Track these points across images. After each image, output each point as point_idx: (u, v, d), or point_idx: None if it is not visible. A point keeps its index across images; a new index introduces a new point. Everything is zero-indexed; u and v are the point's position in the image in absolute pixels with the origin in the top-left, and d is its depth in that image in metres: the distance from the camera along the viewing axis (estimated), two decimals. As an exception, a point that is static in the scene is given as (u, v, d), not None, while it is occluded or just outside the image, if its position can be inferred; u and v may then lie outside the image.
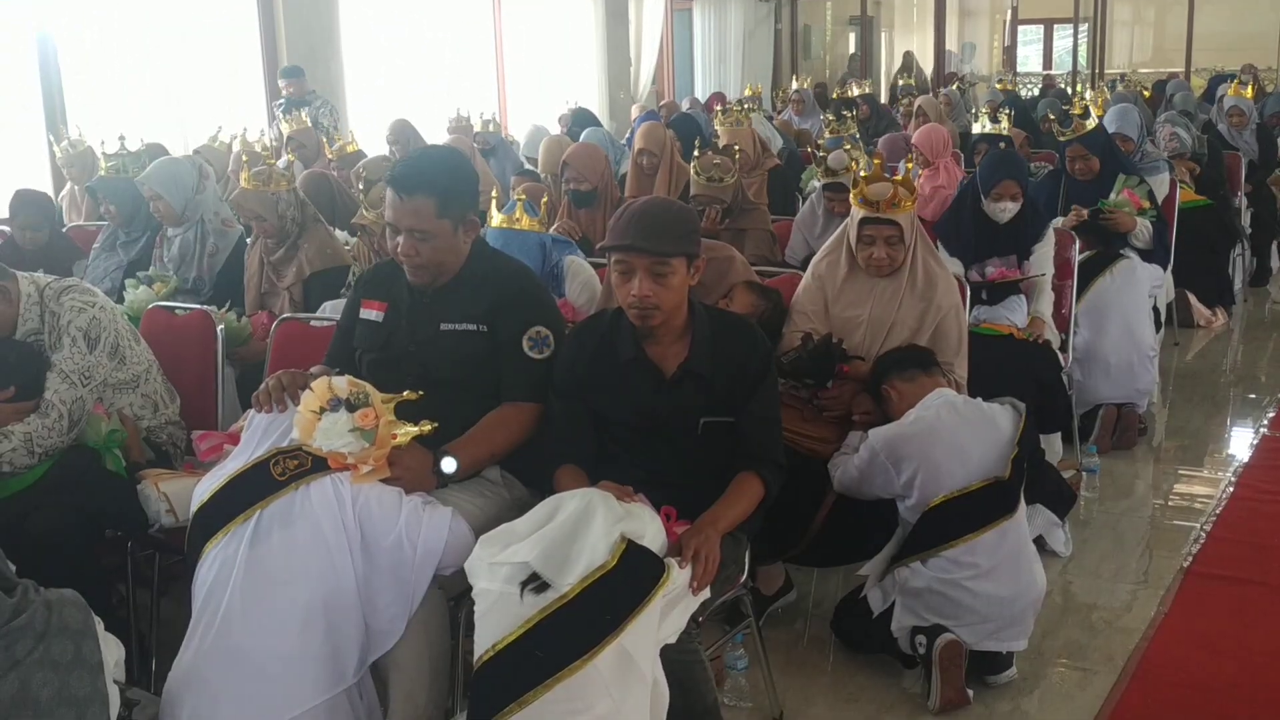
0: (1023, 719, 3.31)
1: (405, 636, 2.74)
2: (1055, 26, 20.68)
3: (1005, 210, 4.73)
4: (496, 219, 4.09)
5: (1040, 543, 4.20)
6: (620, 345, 2.96)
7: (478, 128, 8.59)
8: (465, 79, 11.48)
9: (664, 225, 2.82)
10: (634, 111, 11.38)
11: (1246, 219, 8.23)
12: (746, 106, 7.97)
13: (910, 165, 3.87)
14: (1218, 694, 3.38)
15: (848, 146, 4.87)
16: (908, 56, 18.75)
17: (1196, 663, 3.56)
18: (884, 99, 15.43)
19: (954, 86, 12.06)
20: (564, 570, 2.44)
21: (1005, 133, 6.28)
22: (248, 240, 4.97)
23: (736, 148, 5.36)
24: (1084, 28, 17.81)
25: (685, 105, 11.53)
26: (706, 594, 2.68)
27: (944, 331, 3.81)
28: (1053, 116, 5.97)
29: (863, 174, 3.82)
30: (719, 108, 8.16)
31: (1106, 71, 16.60)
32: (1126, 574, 4.16)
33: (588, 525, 2.50)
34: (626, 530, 2.52)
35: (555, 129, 9.54)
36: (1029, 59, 21.77)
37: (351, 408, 2.75)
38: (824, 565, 3.89)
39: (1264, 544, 4.32)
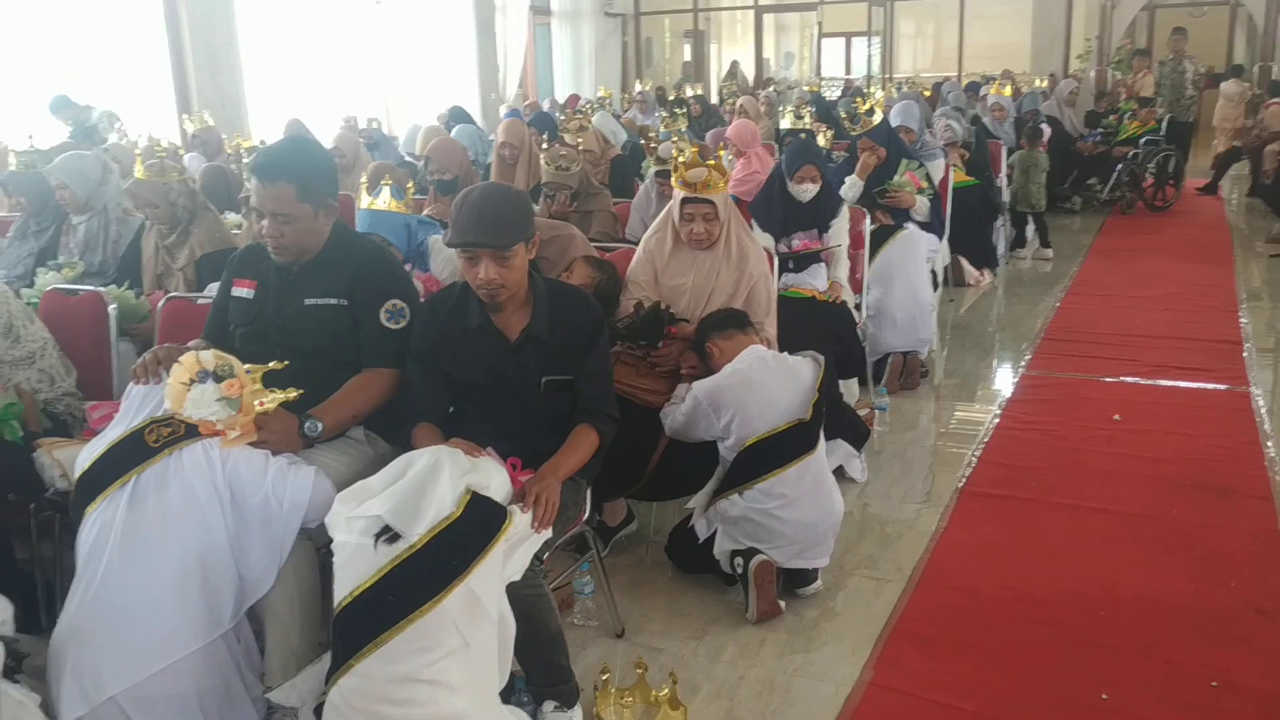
0: (828, 622, 3.22)
1: (277, 584, 2.51)
2: (854, 39, 20.77)
3: (807, 191, 4.62)
4: (366, 201, 3.83)
5: (841, 471, 4.15)
6: (469, 314, 2.76)
7: (362, 125, 8.21)
8: (355, 83, 11.00)
9: (502, 217, 2.61)
10: (502, 111, 11.03)
11: (1007, 196, 8.33)
12: (590, 107, 7.73)
13: (723, 153, 3.72)
14: (989, 595, 3.35)
15: (675, 139, 4.71)
16: (733, 65, 18.64)
17: (971, 569, 3.52)
18: (715, 100, 15.31)
19: (770, 89, 11.98)
20: (414, 521, 2.24)
21: (808, 126, 6.19)
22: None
23: (580, 143, 5.15)
24: (876, 40, 17.98)
25: (546, 105, 11.23)
26: (549, 534, 2.51)
27: (756, 296, 3.69)
28: (844, 114, 5.88)
29: (681, 160, 3.66)
30: (572, 110, 7.88)
31: (895, 75, 16.74)
32: (913, 495, 4.11)
33: (436, 480, 2.30)
34: (472, 483, 2.33)
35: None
36: (834, 66, 21.86)
37: (218, 379, 2.50)
38: (660, 499, 3.75)
39: (1023, 465, 4.32)
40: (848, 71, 19.94)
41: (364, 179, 4.11)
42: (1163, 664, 2.97)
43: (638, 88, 11.71)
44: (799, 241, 4.64)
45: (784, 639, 3.14)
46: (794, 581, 3.31)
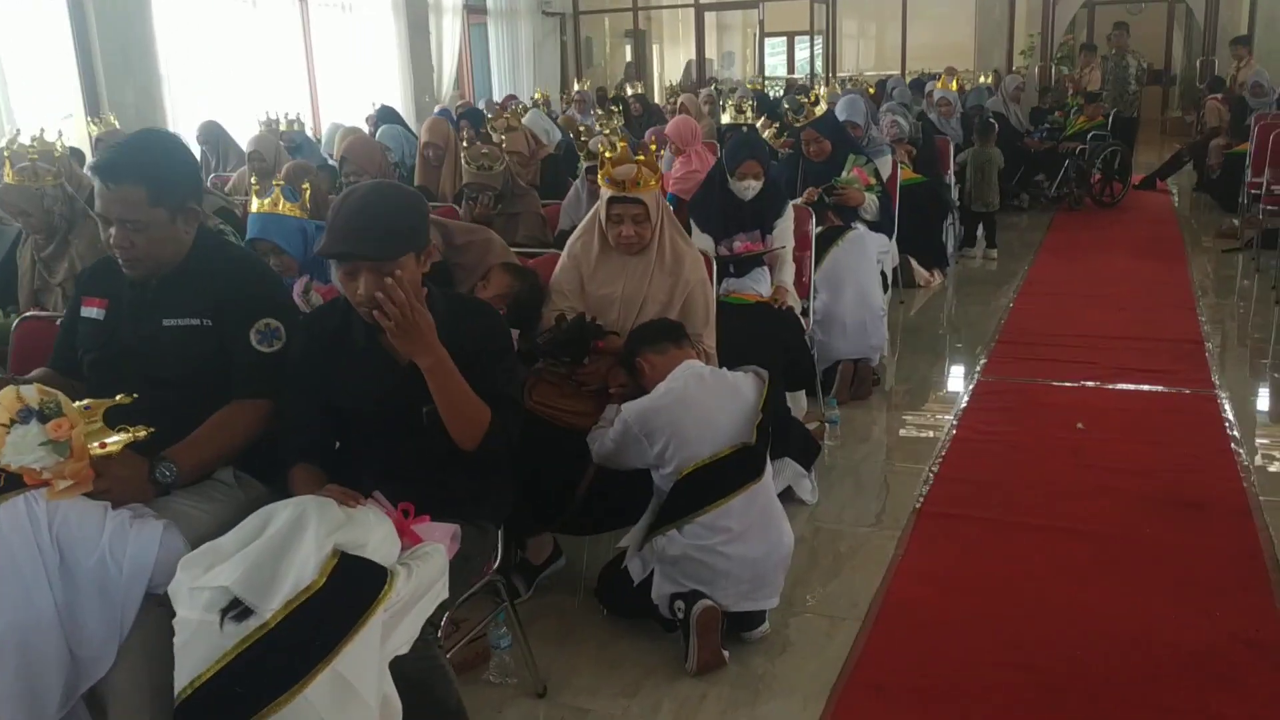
0: (777, 671, 2.85)
1: (120, 661, 2.07)
2: (796, 38, 20.55)
3: (749, 188, 4.26)
4: (255, 204, 3.42)
5: (789, 493, 3.80)
6: (353, 334, 2.34)
7: (283, 127, 7.72)
8: (282, 83, 10.48)
9: (384, 226, 2.19)
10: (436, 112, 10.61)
11: (956, 194, 8.05)
12: (520, 106, 7.32)
13: (654, 146, 3.35)
14: (953, 633, 3.01)
15: (607, 132, 4.33)
16: (689, 66, 18.34)
17: (933, 602, 3.18)
18: (659, 100, 14.97)
19: (712, 87, 11.66)
20: (268, 593, 1.83)
21: (750, 122, 5.84)
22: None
23: (502, 142, 4.75)
24: (819, 39, 17.75)
25: (482, 106, 10.79)
26: (443, 594, 2.12)
27: (692, 304, 3.31)
28: (788, 107, 5.54)
29: (608, 155, 3.28)
30: (502, 109, 7.45)
31: (838, 74, 16.51)
32: (866, 517, 3.77)
33: (298, 539, 1.89)
34: (342, 541, 1.93)
35: (364, 127, 8.70)
36: (778, 66, 21.62)
37: (43, 418, 2.07)
38: (589, 534, 3.36)
39: (984, 480, 3.99)
40: (790, 71, 19.73)
41: (253, 181, 3.69)
42: (1150, 711, 2.64)
43: (575, 87, 11.32)
44: (740, 243, 4.29)
45: (728, 693, 2.77)
46: (739, 625, 2.94)
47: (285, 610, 1.80)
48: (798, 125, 5.27)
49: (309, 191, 3.56)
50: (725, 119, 5.96)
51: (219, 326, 2.41)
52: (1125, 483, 3.91)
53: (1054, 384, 5.07)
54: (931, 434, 4.50)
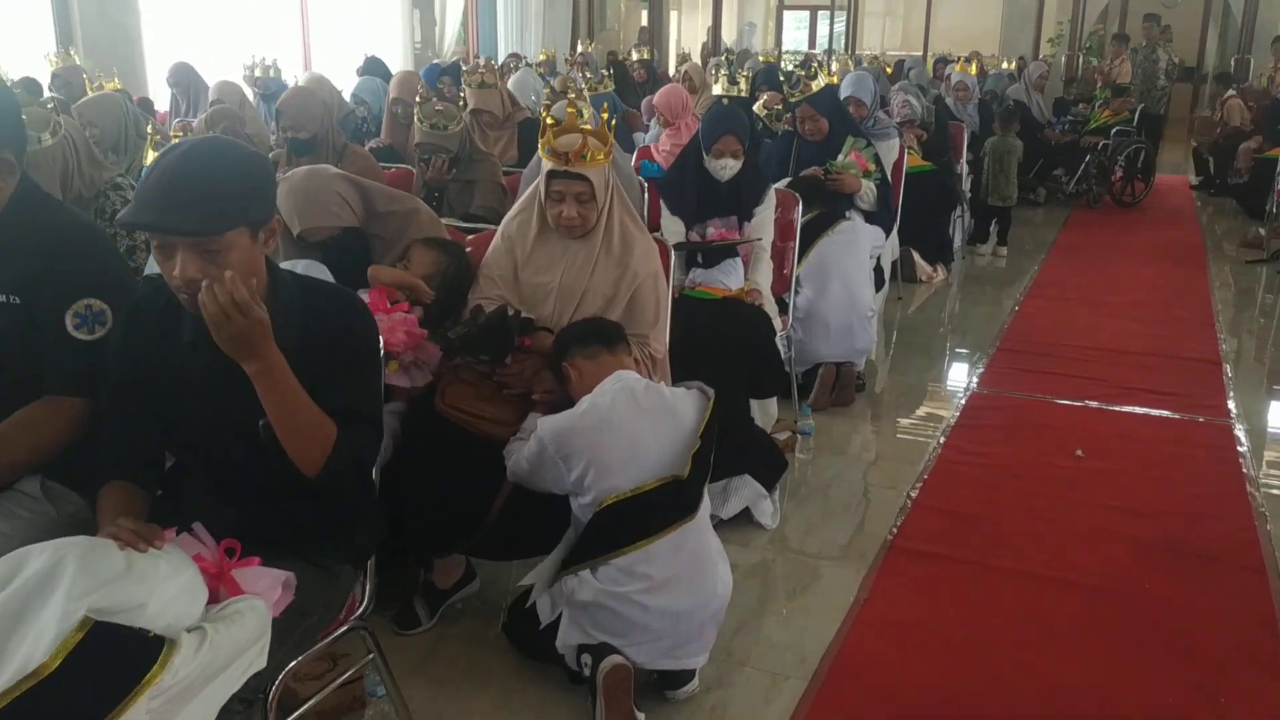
0: (701, 740, 2.43)
1: None
2: (819, 13, 19.96)
3: (726, 168, 3.79)
4: (150, 160, 2.97)
5: (747, 514, 3.36)
6: (182, 325, 1.88)
7: (257, 73, 7.24)
8: (270, 29, 9.97)
9: (204, 192, 1.70)
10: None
11: (967, 184, 7.55)
12: (511, 64, 6.82)
13: (605, 115, 2.88)
14: (910, 703, 2.57)
15: (571, 96, 3.86)
16: (709, 33, 17.77)
17: (891, 662, 2.73)
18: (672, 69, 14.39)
19: (722, 56, 11.10)
20: (-12, 672, 1.40)
21: (743, 94, 5.34)
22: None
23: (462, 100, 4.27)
24: (841, 15, 17.16)
25: (462, 62, 10.27)
26: (258, 665, 1.68)
27: (641, 300, 2.86)
28: (782, 78, 5.04)
29: (550, 121, 2.80)
30: (480, 67, 6.88)
31: (859, 52, 15.92)
32: (830, 548, 3.31)
33: (42, 601, 1.46)
34: (103, 605, 1.48)
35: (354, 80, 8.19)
36: (800, 42, 21.00)
37: None
38: (503, 559, 2.93)
39: (966, 513, 3.53)
40: (811, 46, 19.11)
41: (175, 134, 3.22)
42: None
43: (579, 49, 10.78)
44: (714, 230, 3.82)
45: (640, 765, 2.34)
46: (664, 681, 2.50)
47: (4, 699, 1.36)
48: (791, 99, 4.77)
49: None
50: (716, 89, 5.46)
51: (29, 305, 1.96)
52: (1125, 525, 3.46)
53: (1055, 401, 4.60)
54: (915, 452, 4.04)
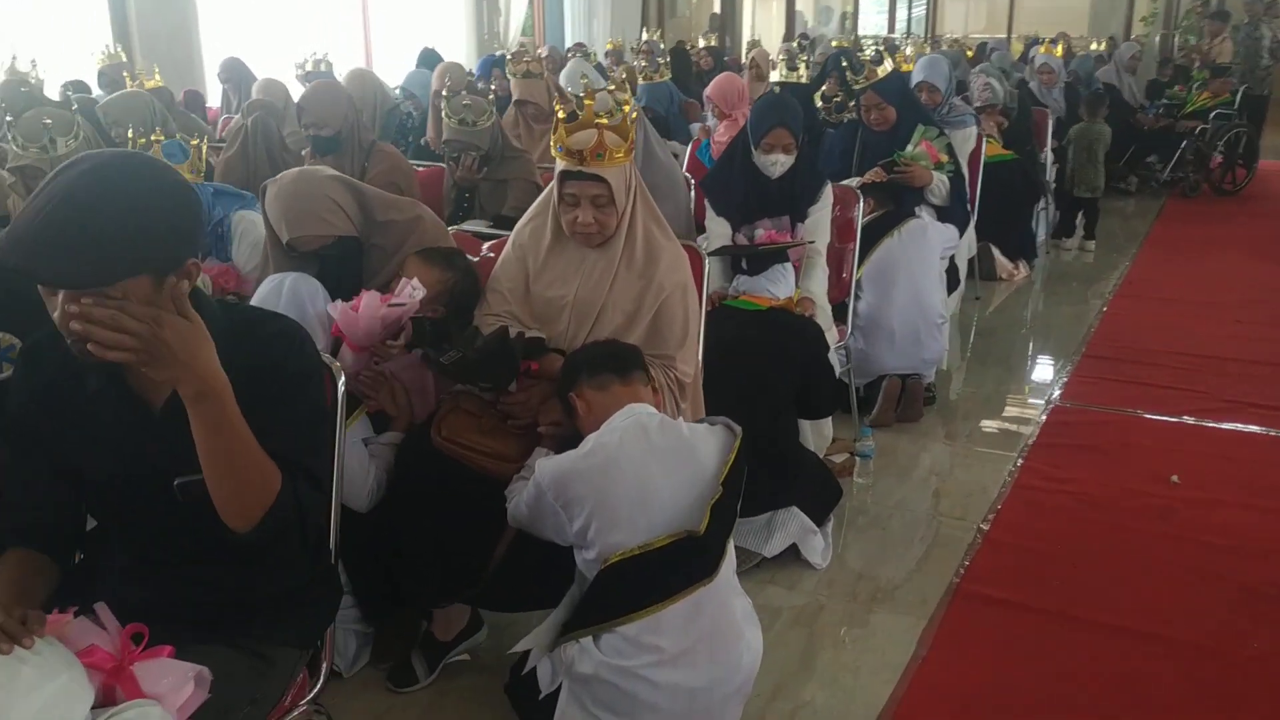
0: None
1: None
2: (900, -5, 19.29)
3: (776, 163, 3.41)
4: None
5: (794, 551, 2.99)
6: (87, 368, 1.58)
7: (309, 67, 7.02)
8: (329, 23, 9.79)
9: (91, 236, 1.37)
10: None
11: (1052, 174, 7.03)
12: (569, 52, 6.49)
13: (627, 108, 2.53)
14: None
15: (612, 88, 3.52)
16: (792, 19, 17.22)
17: (951, 737, 2.36)
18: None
19: (794, 42, 10.65)
20: None
21: (803, 82, 4.94)
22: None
23: (491, 96, 3.96)
24: (922, -4, 16.54)
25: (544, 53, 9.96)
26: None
27: (666, 317, 2.51)
28: (846, 63, 4.64)
29: (560, 115, 2.47)
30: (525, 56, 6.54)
31: (939, 34, 15.27)
32: (887, 594, 2.93)
33: None
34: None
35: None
36: (880, 26, 20.32)
37: None
38: (508, 610, 2.61)
39: (1043, 551, 3.12)
40: (890, 30, 18.45)
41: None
42: None
43: (644, 36, 10.40)
44: (763, 231, 3.45)
45: None
46: (681, 759, 2.15)
47: None
48: (856, 86, 4.36)
49: (202, 148, 2.85)
50: (774, 76, 5.06)
51: None
52: (1229, 566, 3.02)
53: (1146, 416, 4.14)
54: (988, 476, 3.62)
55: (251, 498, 1.52)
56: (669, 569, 2.02)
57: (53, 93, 5.73)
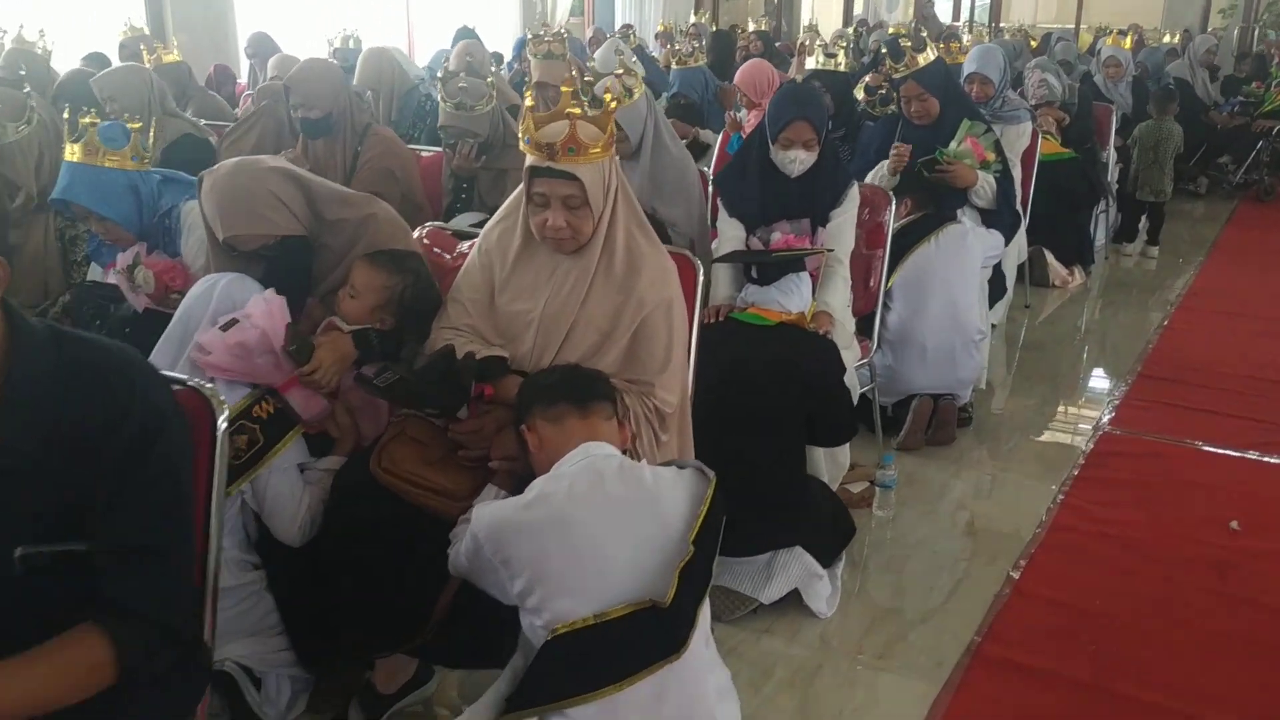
0: None
1: None
2: (966, -18, 18.65)
3: (795, 161, 3.06)
4: (68, 151, 2.45)
5: (795, 597, 2.66)
6: None
7: (336, 44, 6.76)
8: (371, 2, 9.53)
9: None
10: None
11: (1115, 174, 6.55)
12: (565, 33, 6.13)
13: (608, 97, 2.19)
14: None
15: (620, 72, 3.18)
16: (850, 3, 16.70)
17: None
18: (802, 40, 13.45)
19: (851, 29, 10.21)
20: None
21: (841, 70, 4.57)
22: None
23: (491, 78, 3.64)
24: (989, -16, 15.92)
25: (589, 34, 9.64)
26: None
27: (647, 336, 2.18)
28: (884, 50, 4.24)
29: (528, 104, 2.14)
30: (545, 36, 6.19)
31: (1004, 24, 14.68)
32: (895, 653, 2.58)
33: None
34: None
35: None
36: (943, 14, 19.70)
37: None
38: (454, 666, 2.31)
39: (1081, 608, 2.75)
40: (955, 18, 17.84)
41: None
42: None
43: (691, 19, 10.02)
44: (780, 235, 3.10)
45: None
46: None
47: None
48: (895, 75, 3.98)
49: (149, 132, 2.56)
50: (809, 64, 4.69)
51: None
52: (1295, 636, 2.63)
53: (1204, 449, 3.73)
54: (1024, 513, 3.25)
55: (79, 692, 1.27)
56: (627, 644, 1.70)
57: (74, 63, 5.54)
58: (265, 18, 8.39)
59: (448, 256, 2.69)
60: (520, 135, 2.15)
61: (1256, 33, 12.67)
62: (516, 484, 1.99)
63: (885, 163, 3.88)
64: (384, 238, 2.36)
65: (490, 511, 1.80)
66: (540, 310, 2.20)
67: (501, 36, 9.65)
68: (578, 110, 2.08)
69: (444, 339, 2.23)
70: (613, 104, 2.17)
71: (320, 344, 2.17)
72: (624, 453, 1.97)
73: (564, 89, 2.20)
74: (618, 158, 2.89)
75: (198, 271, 2.55)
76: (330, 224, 2.35)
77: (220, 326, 2.03)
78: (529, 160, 2.14)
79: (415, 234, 2.81)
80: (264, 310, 2.06)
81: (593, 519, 1.75)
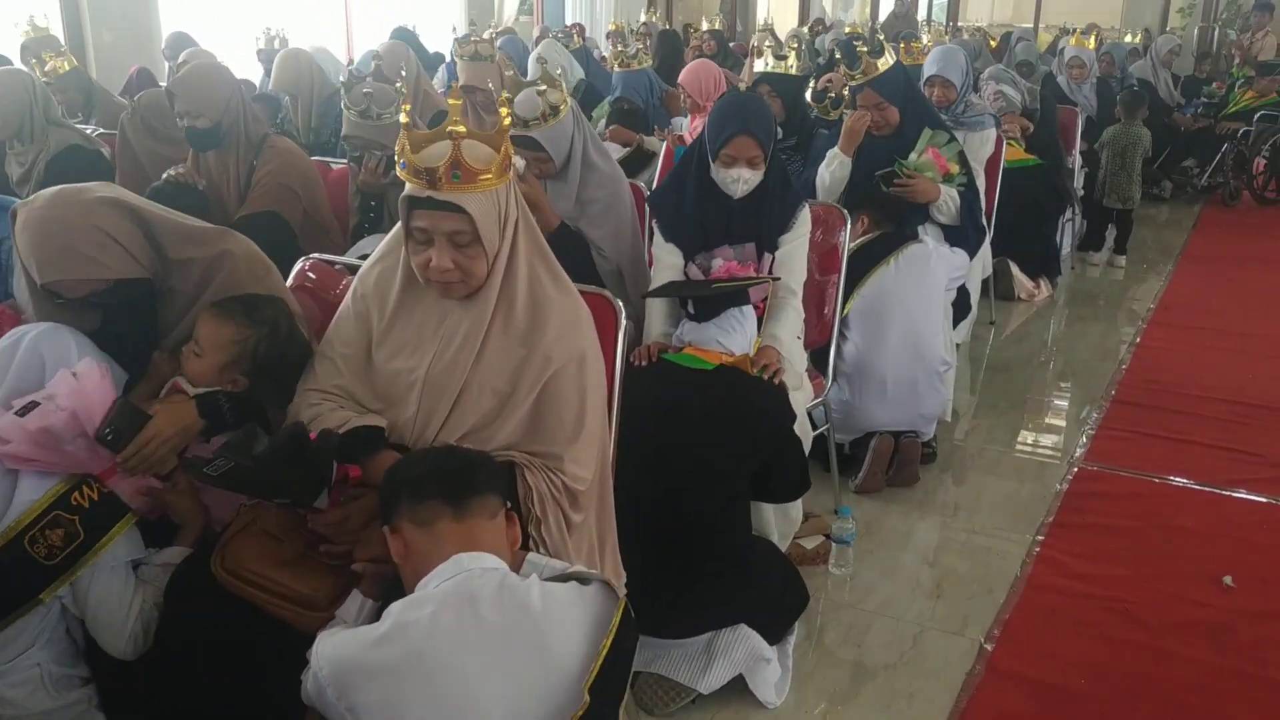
0: None
1: None
2: (923, -18, 18.37)
3: (738, 180, 2.68)
4: None
5: (739, 684, 2.29)
6: None
7: (262, 44, 6.33)
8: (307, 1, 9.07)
9: None
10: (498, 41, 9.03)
11: (1080, 180, 6.25)
12: (493, 34, 5.75)
13: (504, 112, 1.81)
14: None
15: (542, 88, 2.78)
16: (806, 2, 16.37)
17: None
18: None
19: (805, 29, 9.87)
20: None
21: (793, 73, 4.20)
22: None
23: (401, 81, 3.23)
24: (946, -17, 15.65)
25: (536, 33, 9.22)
26: None
27: (554, 400, 1.81)
28: (838, 55, 3.89)
29: (402, 120, 1.76)
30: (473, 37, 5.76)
31: (961, 24, 14.41)
32: (855, 750, 2.23)
33: None
34: None
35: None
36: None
37: None
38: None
39: (1057, 687, 2.41)
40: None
41: None
42: None
43: (641, 18, 9.63)
44: (721, 262, 2.72)
45: None
46: None
47: None
48: (851, 83, 3.62)
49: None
50: (759, 66, 4.31)
51: None
52: (1303, 720, 2.30)
53: (1191, 487, 3.40)
54: (995, 569, 2.91)
55: None
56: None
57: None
58: (191, 15, 7.92)
59: (334, 294, 2.30)
60: (395, 158, 1.77)
61: (1216, 33, 12.48)
62: (384, 591, 1.61)
63: (834, 150, 3.54)
64: (241, 278, 1.96)
65: (333, 647, 1.42)
66: (425, 369, 1.82)
67: (443, 37, 9.19)
68: (463, 129, 1.70)
69: (309, 404, 1.84)
70: (507, 120, 1.78)
71: (156, 412, 1.77)
72: (523, 544, 1.60)
73: (452, 102, 1.81)
74: (537, 180, 2.55)
75: (25, 314, 2.14)
76: (176, 264, 1.94)
77: (16, 411, 1.63)
78: (407, 189, 1.76)
79: (300, 265, 2.43)
80: (71, 388, 1.65)
81: (461, 658, 1.37)
